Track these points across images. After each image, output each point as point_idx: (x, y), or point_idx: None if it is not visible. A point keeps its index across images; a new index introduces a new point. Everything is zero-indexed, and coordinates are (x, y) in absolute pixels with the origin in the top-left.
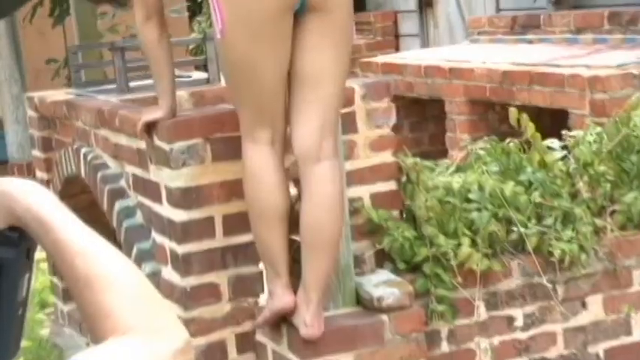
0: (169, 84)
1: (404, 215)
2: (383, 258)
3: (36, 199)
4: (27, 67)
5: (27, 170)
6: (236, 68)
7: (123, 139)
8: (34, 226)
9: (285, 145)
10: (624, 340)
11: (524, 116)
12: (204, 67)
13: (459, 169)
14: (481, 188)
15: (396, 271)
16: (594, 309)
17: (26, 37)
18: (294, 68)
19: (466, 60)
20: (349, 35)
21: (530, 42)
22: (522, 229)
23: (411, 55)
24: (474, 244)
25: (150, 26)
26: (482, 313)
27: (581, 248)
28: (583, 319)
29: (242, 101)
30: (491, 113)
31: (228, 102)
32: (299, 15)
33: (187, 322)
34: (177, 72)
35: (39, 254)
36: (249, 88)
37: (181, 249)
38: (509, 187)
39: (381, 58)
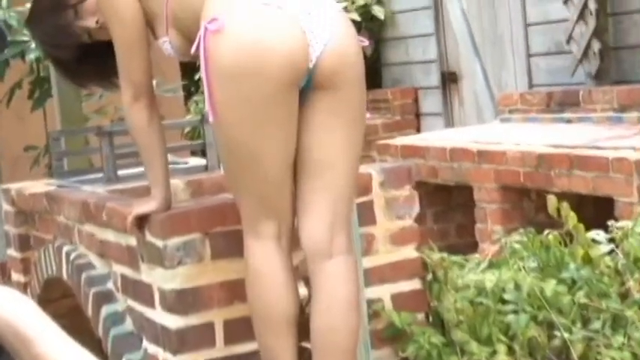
0: (162, 172)
1: (430, 319)
2: None
3: (15, 311)
4: (3, 155)
5: (1, 271)
6: (233, 154)
7: (111, 235)
8: (13, 341)
9: (292, 239)
10: None
11: (565, 205)
12: (201, 152)
13: (491, 266)
14: (518, 287)
15: None
16: None
17: (2, 122)
18: (301, 152)
19: (497, 141)
20: (362, 114)
21: (569, 121)
22: (566, 335)
23: (434, 136)
24: (511, 351)
25: (138, 108)
26: None
27: (634, 356)
28: None
29: (242, 191)
30: (527, 201)
31: (229, 191)
32: (305, 92)
33: None
34: (171, 158)
35: None
36: (249, 176)
37: None
38: (549, 286)
39: (400, 140)
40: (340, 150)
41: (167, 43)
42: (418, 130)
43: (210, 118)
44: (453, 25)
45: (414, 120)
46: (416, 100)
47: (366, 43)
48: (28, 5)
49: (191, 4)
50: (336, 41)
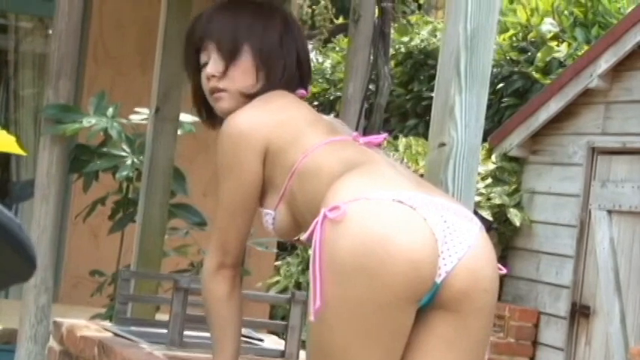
0: (232, 350)
1: None
2: None
3: None
4: (65, 272)
5: None
6: (326, 358)
7: None
8: None
9: None
10: None
11: None
12: (282, 333)
13: None
14: None
15: None
16: None
17: (73, 237)
18: None
19: None
20: (483, 351)
21: None
22: None
23: None
24: None
25: (222, 278)
26: None
27: None
28: None
29: None
30: None
31: None
32: (423, 309)
33: None
34: (245, 330)
35: None
36: None
37: None
38: None
39: None
40: None
41: (270, 216)
42: None
43: (311, 316)
44: (597, 253)
45: (530, 348)
46: (536, 326)
47: (504, 271)
48: (133, 117)
49: (313, 188)
50: (472, 259)
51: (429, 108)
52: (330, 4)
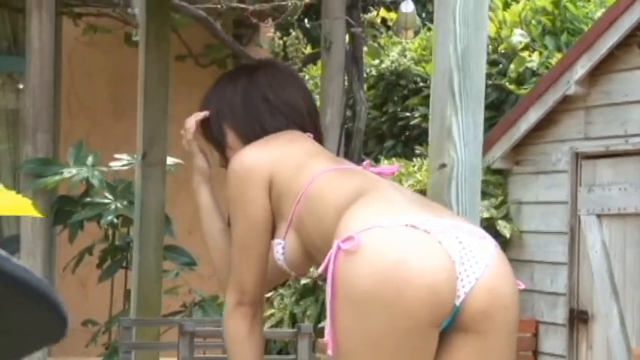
0: None
1: None
2: None
3: None
4: None
5: None
6: None
7: None
8: None
9: None
10: None
11: None
12: None
13: None
14: None
15: None
16: None
17: (62, 289)
18: None
19: None
20: None
21: None
22: None
23: None
24: None
25: (240, 315)
26: None
27: None
28: None
29: None
30: None
31: None
32: (445, 332)
33: None
34: None
35: None
36: None
37: None
38: None
39: None
40: None
41: (280, 246)
42: None
43: (330, 350)
44: (590, 258)
45: (532, 358)
46: (535, 335)
47: (522, 286)
48: (113, 164)
49: (321, 212)
50: (490, 277)
51: (405, 128)
52: (301, 34)
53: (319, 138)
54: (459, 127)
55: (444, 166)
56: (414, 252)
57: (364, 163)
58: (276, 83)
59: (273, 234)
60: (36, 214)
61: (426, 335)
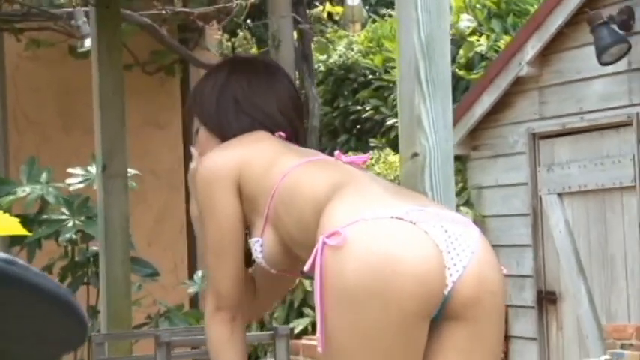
0: None
1: None
2: None
3: None
4: None
5: None
6: None
7: None
8: None
9: None
10: None
11: None
12: None
13: None
14: None
15: None
16: None
17: None
18: None
19: None
20: (498, 355)
21: None
22: None
23: None
24: None
25: (220, 320)
26: None
27: None
28: None
29: None
30: None
31: None
32: (434, 323)
33: None
34: None
35: None
36: None
37: None
38: None
39: None
40: None
41: (258, 243)
42: (506, 355)
43: (319, 348)
44: (554, 238)
45: (503, 343)
46: (505, 320)
47: (505, 271)
48: (69, 181)
49: (298, 207)
50: (477, 265)
51: (356, 122)
52: (249, 34)
53: (297, 135)
54: (428, 114)
55: (416, 155)
56: (402, 244)
57: (335, 153)
58: (248, 83)
59: (249, 232)
60: (23, 232)
61: (417, 326)
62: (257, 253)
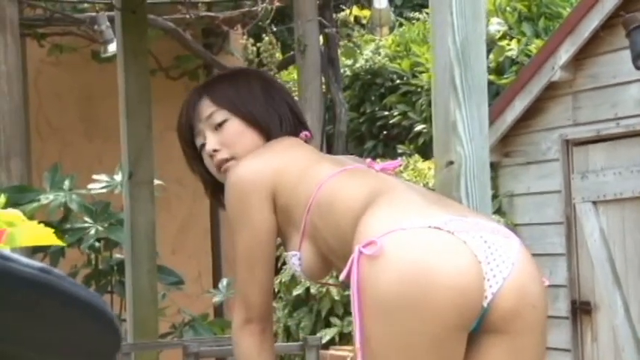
0: None
1: None
2: None
3: None
4: None
5: None
6: None
7: None
8: None
9: None
10: None
11: None
12: None
13: None
14: None
15: None
16: None
17: None
18: None
19: None
20: None
21: None
22: None
23: None
24: None
25: (249, 332)
26: None
27: None
28: None
29: None
30: None
31: None
32: (473, 336)
33: None
34: None
35: None
36: None
37: None
38: None
39: None
40: None
41: (296, 257)
42: None
43: (359, 358)
44: (588, 247)
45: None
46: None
47: (547, 283)
48: (92, 186)
49: (335, 218)
50: (517, 276)
51: (383, 128)
52: (275, 38)
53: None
54: (463, 121)
55: (451, 163)
56: (440, 254)
57: (367, 161)
58: (286, 91)
59: (285, 246)
60: (58, 242)
61: (455, 338)
62: (295, 267)
